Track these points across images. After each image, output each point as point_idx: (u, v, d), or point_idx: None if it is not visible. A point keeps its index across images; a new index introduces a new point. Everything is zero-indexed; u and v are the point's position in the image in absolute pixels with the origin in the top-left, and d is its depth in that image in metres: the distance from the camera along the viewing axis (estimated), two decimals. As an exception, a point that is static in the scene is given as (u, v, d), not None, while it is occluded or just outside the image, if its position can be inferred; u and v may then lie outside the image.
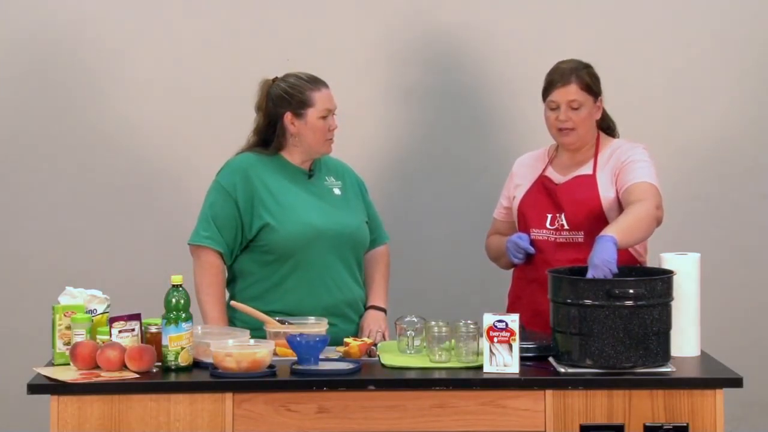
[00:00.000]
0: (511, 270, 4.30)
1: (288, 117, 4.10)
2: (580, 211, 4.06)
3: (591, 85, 4.07)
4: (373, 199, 4.37)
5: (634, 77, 5.04)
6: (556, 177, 4.16)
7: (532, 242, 4.12)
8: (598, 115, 4.12)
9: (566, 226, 4.08)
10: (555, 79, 4.07)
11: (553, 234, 4.10)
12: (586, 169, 4.11)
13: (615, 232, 3.70)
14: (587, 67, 4.11)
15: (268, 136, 4.15)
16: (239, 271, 4.13)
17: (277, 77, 4.16)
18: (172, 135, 5.11)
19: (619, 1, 5.15)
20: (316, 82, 4.12)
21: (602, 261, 3.61)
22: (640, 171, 4.01)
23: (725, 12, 5.14)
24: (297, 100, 4.09)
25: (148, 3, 5.11)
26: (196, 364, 3.64)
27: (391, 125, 5.18)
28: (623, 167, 4.04)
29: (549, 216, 4.11)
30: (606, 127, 4.19)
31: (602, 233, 3.70)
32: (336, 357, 3.77)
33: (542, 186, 4.16)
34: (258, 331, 3.88)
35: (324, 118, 4.09)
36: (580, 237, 4.05)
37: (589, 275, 3.60)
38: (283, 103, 4.10)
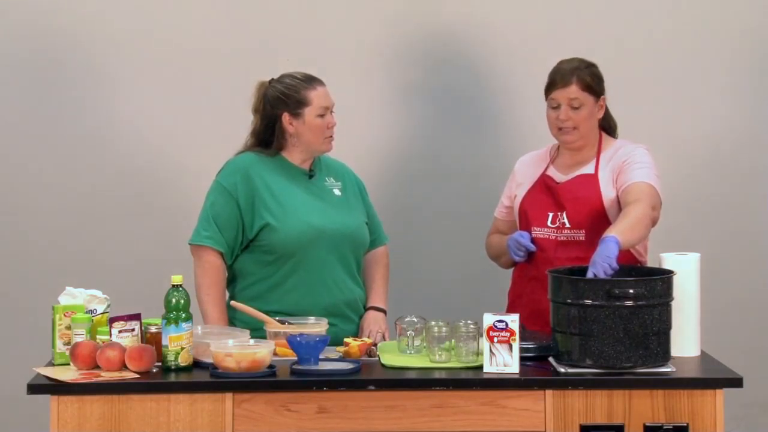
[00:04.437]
0: (511, 270, 4.30)
1: (286, 118, 4.10)
2: (582, 210, 4.06)
3: (592, 85, 4.07)
4: (373, 200, 4.37)
5: (634, 77, 5.04)
6: (558, 176, 4.16)
7: (534, 240, 4.13)
8: (600, 115, 4.13)
9: (567, 225, 4.08)
10: (556, 79, 4.08)
11: (554, 232, 4.10)
12: (588, 169, 4.12)
13: (617, 233, 3.71)
14: (590, 67, 4.11)
15: (266, 138, 4.15)
16: (239, 270, 4.13)
17: (272, 78, 4.16)
18: (172, 135, 5.11)
19: (621, 2, 5.15)
20: (311, 81, 4.12)
21: (602, 257, 3.62)
22: (639, 171, 4.02)
23: (726, 12, 5.14)
24: (293, 101, 4.09)
25: (146, 3, 5.11)
26: (196, 364, 3.64)
27: (391, 125, 5.18)
28: (623, 167, 4.05)
29: (550, 214, 4.12)
30: (607, 126, 4.19)
31: (605, 234, 3.71)
32: (336, 357, 3.77)
33: (544, 185, 4.17)
34: (258, 331, 3.88)
35: (322, 116, 4.09)
36: (581, 235, 4.06)
37: (589, 273, 3.61)
38: (279, 104, 4.10)
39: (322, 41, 5.11)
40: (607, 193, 4.06)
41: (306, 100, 4.09)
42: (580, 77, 4.06)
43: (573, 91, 4.05)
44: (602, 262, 3.61)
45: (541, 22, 5.13)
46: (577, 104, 4.06)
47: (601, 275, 3.59)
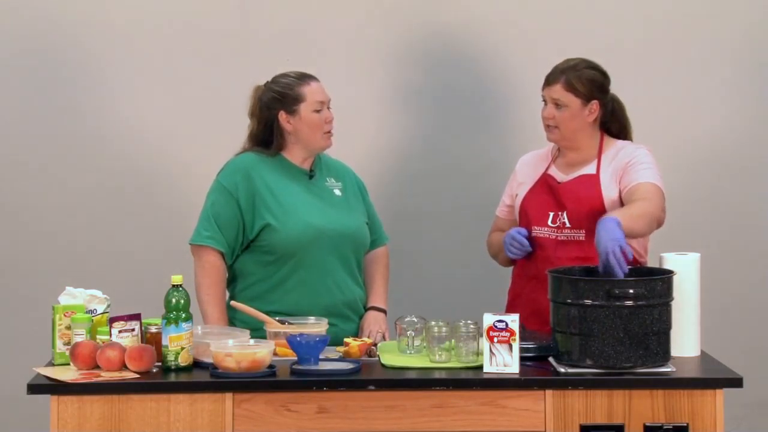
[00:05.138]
0: (511, 269, 4.30)
1: (282, 116, 4.10)
2: (582, 210, 4.06)
3: (578, 88, 4.07)
4: (373, 200, 4.37)
5: (633, 77, 5.03)
6: (559, 176, 4.17)
7: (534, 239, 4.13)
8: (591, 118, 4.12)
9: (568, 224, 4.09)
10: (547, 76, 4.13)
11: (554, 232, 4.10)
12: (590, 169, 4.12)
13: (618, 215, 3.71)
14: (589, 69, 4.10)
15: (264, 140, 4.15)
16: (239, 271, 4.13)
17: (267, 81, 4.17)
18: (172, 135, 5.11)
19: (622, 2, 5.15)
20: (304, 78, 4.13)
21: (612, 241, 3.62)
22: (644, 172, 4.02)
23: (726, 12, 5.14)
24: (288, 98, 4.09)
25: (146, 3, 5.11)
26: (196, 364, 3.64)
27: (391, 126, 5.18)
28: (627, 168, 4.05)
29: (551, 214, 4.12)
30: (620, 129, 4.19)
31: (604, 216, 3.71)
32: (336, 357, 3.77)
33: (545, 184, 4.17)
34: (258, 331, 3.88)
35: (318, 111, 4.09)
36: (581, 235, 4.06)
37: (600, 262, 3.62)
38: (275, 104, 4.10)
39: (322, 41, 5.11)
40: (609, 194, 4.06)
41: (300, 97, 4.09)
42: (568, 78, 4.07)
43: (556, 90, 4.07)
44: (613, 247, 3.60)
45: (542, 21, 5.13)
46: (560, 104, 4.08)
47: (618, 272, 3.59)
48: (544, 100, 4.12)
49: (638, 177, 4.01)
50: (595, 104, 4.10)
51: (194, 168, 4.98)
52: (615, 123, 4.20)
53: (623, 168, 4.07)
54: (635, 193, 3.96)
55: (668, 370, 3.58)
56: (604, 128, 4.19)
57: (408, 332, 3.79)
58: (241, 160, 4.13)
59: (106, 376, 3.55)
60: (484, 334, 3.57)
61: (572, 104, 4.08)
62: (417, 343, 3.79)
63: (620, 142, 4.18)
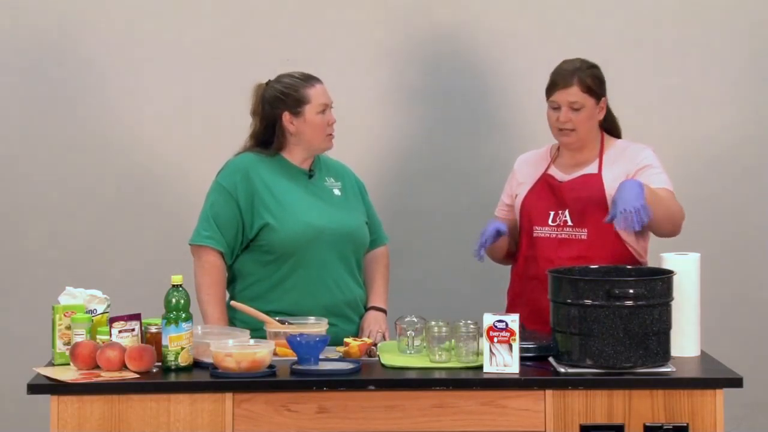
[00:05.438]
0: (510, 268, 4.30)
1: (286, 117, 4.10)
2: (585, 208, 4.05)
3: (593, 87, 4.06)
4: (374, 200, 4.37)
5: (635, 78, 5.04)
6: (560, 176, 4.16)
7: (534, 240, 4.12)
8: (601, 116, 4.12)
9: (569, 223, 4.08)
10: (557, 80, 4.08)
11: (554, 231, 4.10)
12: (591, 169, 4.12)
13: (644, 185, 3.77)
14: (591, 68, 4.11)
15: (266, 139, 4.15)
16: (239, 271, 4.13)
17: (269, 80, 4.17)
18: (172, 135, 5.11)
19: (622, 1, 5.15)
20: (309, 79, 4.13)
21: (632, 206, 3.68)
22: (657, 177, 4.02)
23: (727, 14, 5.14)
24: (293, 99, 4.09)
25: (146, 4, 5.11)
26: (196, 364, 3.64)
27: (392, 126, 5.18)
28: (639, 172, 4.03)
29: (552, 213, 4.11)
30: (611, 128, 4.19)
31: (632, 178, 3.74)
32: (336, 357, 3.77)
33: (546, 184, 4.16)
34: (258, 331, 3.88)
35: (322, 113, 4.10)
36: (583, 234, 4.06)
37: (612, 213, 3.71)
38: (279, 104, 4.10)
39: (323, 42, 5.11)
40: (612, 192, 4.04)
41: (305, 98, 4.09)
42: (581, 79, 4.06)
43: (573, 92, 4.05)
44: (634, 204, 3.68)
45: (542, 22, 5.13)
46: (578, 106, 4.06)
47: (636, 226, 3.71)
48: (555, 106, 4.08)
49: (651, 182, 3.99)
50: (603, 102, 4.11)
51: (193, 168, 4.98)
52: (613, 121, 4.20)
53: (634, 170, 4.04)
54: None
55: (668, 370, 3.58)
56: (602, 127, 4.19)
57: (408, 332, 3.79)
58: (240, 161, 4.14)
59: (106, 376, 3.55)
60: (484, 334, 3.57)
61: (588, 104, 4.07)
62: (417, 343, 3.79)
63: (620, 142, 4.18)
